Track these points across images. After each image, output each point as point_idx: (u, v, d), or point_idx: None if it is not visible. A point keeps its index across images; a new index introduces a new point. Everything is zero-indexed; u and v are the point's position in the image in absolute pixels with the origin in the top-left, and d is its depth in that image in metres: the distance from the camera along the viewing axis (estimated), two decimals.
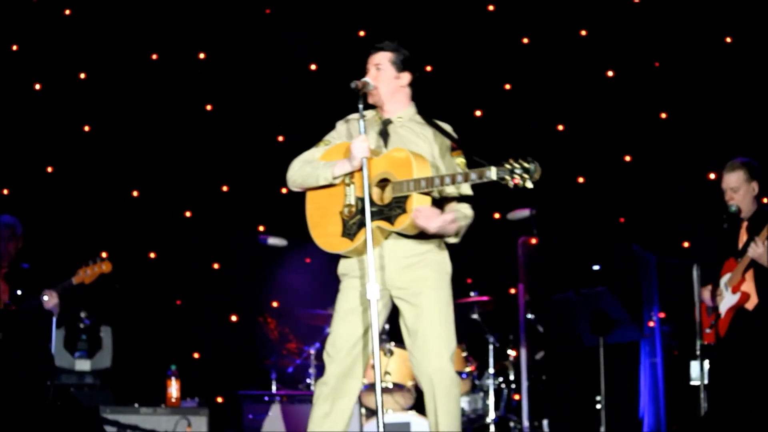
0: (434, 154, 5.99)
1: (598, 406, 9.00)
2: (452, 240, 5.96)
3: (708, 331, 7.66)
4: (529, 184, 5.58)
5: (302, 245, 9.11)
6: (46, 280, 8.50)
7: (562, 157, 10.31)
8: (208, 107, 10.91)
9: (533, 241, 9.74)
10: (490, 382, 9.34)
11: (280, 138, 10.71)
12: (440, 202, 5.92)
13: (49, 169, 10.77)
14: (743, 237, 7.52)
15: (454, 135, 6.04)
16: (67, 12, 10.92)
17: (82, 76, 10.89)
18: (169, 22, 10.89)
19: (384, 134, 6.03)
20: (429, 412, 5.92)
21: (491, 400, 9.31)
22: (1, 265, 8.57)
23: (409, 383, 8.76)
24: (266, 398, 9.12)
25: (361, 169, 5.78)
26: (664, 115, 10.45)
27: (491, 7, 10.82)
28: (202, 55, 10.95)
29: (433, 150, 6.00)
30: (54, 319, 7.99)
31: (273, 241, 9.72)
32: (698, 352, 7.70)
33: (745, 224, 7.56)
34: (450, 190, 5.91)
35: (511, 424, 9.54)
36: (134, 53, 10.86)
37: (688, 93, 10.35)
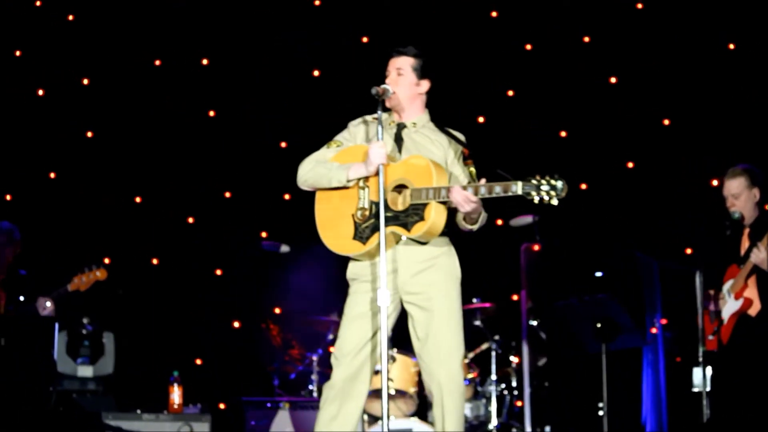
0: (447, 161, 6.01)
1: (601, 413, 8.98)
2: (469, 226, 5.93)
3: (711, 338, 7.65)
4: (555, 201, 5.59)
5: (305, 251, 9.15)
6: (45, 286, 8.50)
7: (565, 163, 10.30)
8: (211, 113, 10.92)
9: (536, 247, 9.75)
10: (492, 389, 9.34)
11: (283, 144, 10.72)
12: (454, 209, 5.93)
13: (52, 175, 10.78)
14: (745, 243, 7.51)
15: (467, 144, 6.05)
16: (70, 17, 10.93)
17: (85, 81, 10.90)
18: (172, 28, 10.90)
19: (398, 139, 6.03)
20: (436, 417, 5.91)
21: (494, 407, 9.30)
22: None
23: (411, 390, 8.76)
24: (269, 404, 9.12)
25: (376, 174, 5.78)
26: (667, 122, 10.45)
27: (494, 14, 10.82)
28: (205, 61, 10.95)
29: (447, 157, 6.02)
30: (56, 325, 7.99)
31: (276, 247, 9.73)
32: (701, 359, 7.69)
33: (747, 231, 7.55)
34: None
35: (514, 430, 9.53)
36: (137, 59, 10.87)
37: (691, 100, 10.34)
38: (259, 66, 10.90)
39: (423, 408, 8.97)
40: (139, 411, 8.72)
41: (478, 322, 9.50)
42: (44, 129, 10.73)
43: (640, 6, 10.56)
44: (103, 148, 10.79)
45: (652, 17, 10.49)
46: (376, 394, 8.62)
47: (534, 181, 5.61)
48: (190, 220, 10.85)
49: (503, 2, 10.81)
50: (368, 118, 6.13)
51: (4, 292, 8.53)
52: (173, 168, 10.75)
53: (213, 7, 10.91)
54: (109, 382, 9.32)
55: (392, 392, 8.69)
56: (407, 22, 10.58)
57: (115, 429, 8.37)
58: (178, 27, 10.90)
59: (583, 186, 10.50)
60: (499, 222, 10.05)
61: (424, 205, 5.78)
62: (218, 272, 10.79)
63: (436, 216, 5.80)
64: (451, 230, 5.97)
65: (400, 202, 5.88)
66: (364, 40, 10.81)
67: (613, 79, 10.60)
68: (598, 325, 8.57)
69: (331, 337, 9.42)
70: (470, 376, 9.18)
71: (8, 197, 10.61)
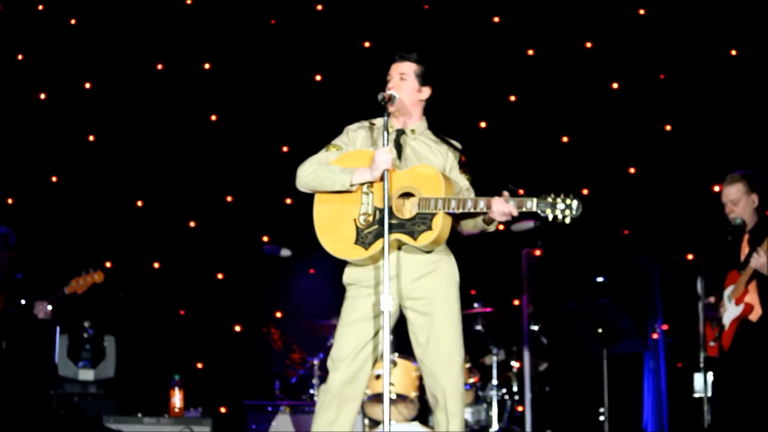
0: (446, 169, 6.00)
1: (602, 418, 8.98)
2: (490, 229, 5.97)
3: (712, 344, 7.65)
4: (568, 220, 5.62)
5: (307, 256, 9.16)
6: (43, 290, 8.50)
7: (567, 168, 10.31)
8: (213, 117, 10.92)
9: (537, 252, 9.75)
10: (493, 394, 9.34)
11: (285, 148, 10.72)
12: (458, 216, 5.93)
13: (54, 179, 10.79)
14: (745, 249, 7.51)
15: (464, 152, 6.05)
16: (73, 22, 10.94)
17: (87, 85, 10.90)
18: (174, 33, 10.91)
19: (397, 146, 6.01)
20: (440, 421, 5.91)
21: (494, 412, 9.31)
22: None
23: (413, 394, 8.76)
24: (270, 408, 9.12)
25: (380, 180, 5.77)
26: (668, 128, 10.45)
27: (496, 19, 10.83)
28: (207, 66, 10.96)
29: (446, 165, 6.02)
30: (58, 329, 7.99)
31: (277, 251, 9.73)
32: (702, 365, 7.69)
33: (746, 236, 7.56)
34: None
35: None
36: (138, 62, 10.87)
37: (693, 105, 10.35)
38: (260, 70, 10.90)
39: (424, 412, 8.97)
40: (140, 414, 8.73)
41: (479, 327, 9.51)
42: (46, 133, 10.74)
43: (642, 12, 10.56)
44: (105, 152, 10.80)
45: (655, 23, 10.50)
46: (377, 398, 8.63)
47: (549, 199, 5.66)
48: (192, 224, 10.85)
49: (505, 7, 10.82)
50: (366, 123, 6.12)
51: (1, 295, 8.53)
52: (175, 172, 10.76)
53: (215, 12, 10.92)
54: (110, 385, 9.32)
55: (393, 396, 8.69)
56: (409, 27, 10.59)
57: None
58: (180, 31, 10.91)
59: (585, 191, 10.50)
60: (501, 227, 10.03)
61: (432, 214, 5.78)
62: (219, 276, 10.80)
63: (443, 226, 5.81)
64: (450, 235, 5.97)
65: (407, 210, 5.87)
66: (367, 44, 10.82)
67: (615, 85, 10.60)
68: (600, 330, 8.58)
69: (332, 341, 9.41)
70: (471, 380, 9.19)
71: (10, 201, 10.62)
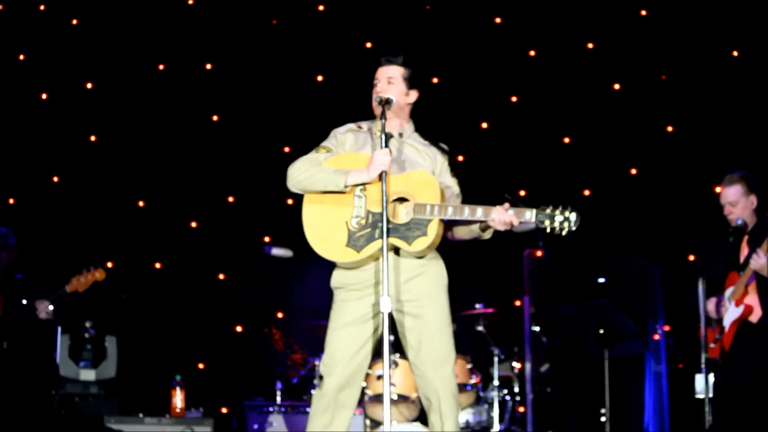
0: (435, 172, 5.99)
1: (603, 419, 8.99)
2: (486, 236, 5.94)
3: (713, 345, 7.64)
4: (565, 233, 5.62)
5: (308, 256, 9.15)
6: (44, 289, 8.50)
7: (568, 169, 10.32)
8: (215, 118, 10.93)
9: (539, 253, 9.76)
10: (494, 394, 9.34)
11: (287, 149, 10.71)
12: (452, 222, 5.93)
13: (56, 179, 10.79)
14: (744, 250, 7.51)
15: (452, 155, 6.04)
16: (74, 22, 10.95)
17: (89, 85, 10.91)
18: (175, 33, 10.91)
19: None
20: (435, 423, 5.92)
21: (496, 412, 9.31)
22: None
23: (414, 395, 8.76)
24: (271, 409, 9.12)
25: (376, 181, 5.76)
26: (670, 129, 10.45)
27: (498, 20, 10.83)
28: (208, 66, 10.97)
29: (435, 168, 6.00)
30: (59, 329, 8.00)
31: (278, 251, 9.73)
32: (703, 366, 7.69)
33: (746, 237, 7.55)
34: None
35: None
36: (140, 63, 10.88)
37: (694, 106, 10.35)
38: (261, 70, 10.91)
39: (425, 413, 8.97)
40: (141, 414, 8.73)
41: (480, 328, 9.51)
42: (48, 133, 10.74)
43: (643, 13, 10.57)
44: (106, 152, 10.81)
45: (656, 24, 10.50)
46: (378, 399, 8.64)
47: (548, 211, 5.65)
48: (193, 224, 10.86)
49: (507, 8, 10.82)
50: (353, 126, 6.09)
51: (1, 296, 8.53)
52: (176, 172, 10.76)
53: (216, 12, 10.93)
54: (111, 385, 9.33)
55: (394, 397, 8.69)
56: (410, 27, 10.59)
57: None
58: (181, 31, 10.92)
59: (587, 192, 10.51)
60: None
61: (428, 220, 5.77)
62: (221, 276, 10.81)
63: (437, 232, 5.80)
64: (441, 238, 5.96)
65: (401, 215, 5.86)
66: (368, 45, 10.83)
67: (616, 86, 10.61)
68: (601, 331, 8.58)
69: None
70: (472, 381, 9.18)
71: (11, 201, 10.63)
